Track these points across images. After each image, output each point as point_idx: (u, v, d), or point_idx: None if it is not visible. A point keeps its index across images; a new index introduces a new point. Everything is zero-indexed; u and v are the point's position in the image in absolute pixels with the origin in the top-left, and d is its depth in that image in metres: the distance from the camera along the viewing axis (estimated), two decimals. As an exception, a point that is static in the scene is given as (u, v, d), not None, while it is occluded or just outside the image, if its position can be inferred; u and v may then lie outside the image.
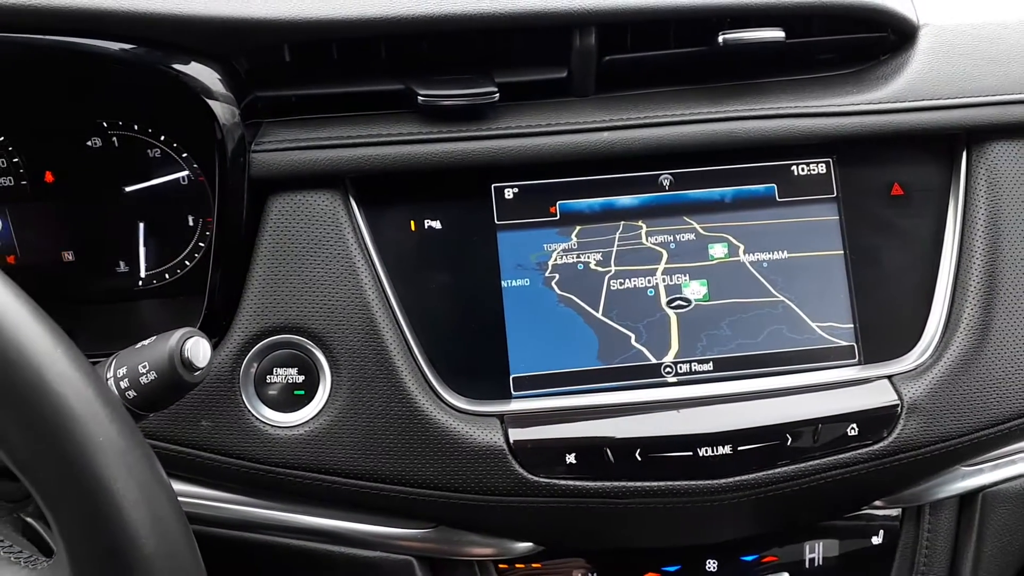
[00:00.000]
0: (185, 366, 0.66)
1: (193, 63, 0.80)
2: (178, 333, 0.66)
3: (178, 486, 0.86)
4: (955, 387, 0.88)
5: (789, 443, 0.85)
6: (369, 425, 0.83)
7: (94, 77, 0.90)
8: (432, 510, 0.86)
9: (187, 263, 1.00)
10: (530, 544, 0.91)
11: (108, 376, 0.66)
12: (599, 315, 0.88)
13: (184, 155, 0.97)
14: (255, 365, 0.84)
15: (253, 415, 0.83)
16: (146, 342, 0.67)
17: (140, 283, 1.00)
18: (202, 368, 0.67)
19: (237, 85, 0.82)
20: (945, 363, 0.88)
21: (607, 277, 0.89)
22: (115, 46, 0.79)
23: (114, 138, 0.97)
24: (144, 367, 0.66)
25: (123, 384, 0.66)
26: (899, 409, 0.86)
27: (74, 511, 0.50)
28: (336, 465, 0.83)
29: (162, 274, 1.00)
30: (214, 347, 0.83)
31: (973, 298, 0.89)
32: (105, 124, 0.96)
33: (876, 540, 0.98)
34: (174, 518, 0.53)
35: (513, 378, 0.87)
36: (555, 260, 0.88)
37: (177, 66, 0.80)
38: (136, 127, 0.96)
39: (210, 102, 0.79)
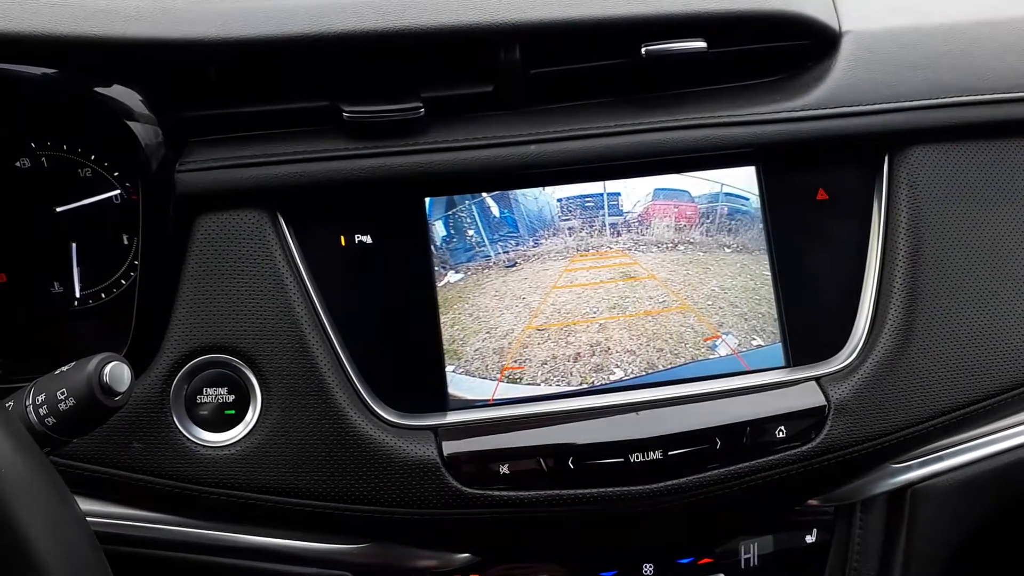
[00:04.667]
0: (105, 391, 0.66)
1: (116, 85, 0.80)
2: (96, 359, 0.66)
3: (109, 508, 0.85)
4: (881, 387, 0.90)
5: (718, 446, 0.86)
6: (300, 442, 0.83)
7: (20, 98, 0.90)
8: (366, 525, 0.86)
9: (123, 282, 0.99)
10: (468, 555, 0.92)
11: (28, 403, 0.66)
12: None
13: (116, 174, 0.97)
14: (185, 385, 0.84)
15: (184, 435, 0.83)
16: (65, 368, 0.67)
17: (76, 303, 0.99)
18: (122, 393, 0.67)
19: (160, 106, 0.82)
20: (871, 364, 0.90)
21: (539, 287, 0.89)
22: (37, 70, 0.79)
23: (43, 158, 0.96)
24: (63, 393, 0.65)
25: (42, 411, 0.66)
26: (827, 410, 0.88)
27: (-22, 543, 0.50)
28: (268, 483, 0.83)
29: (98, 294, 0.99)
30: (144, 368, 0.83)
31: (897, 299, 0.91)
32: (34, 145, 0.95)
33: (810, 539, 0.99)
34: (84, 545, 0.54)
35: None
36: (488, 272, 0.89)
37: (99, 89, 0.79)
38: (65, 147, 0.95)
39: (131, 124, 0.79)
